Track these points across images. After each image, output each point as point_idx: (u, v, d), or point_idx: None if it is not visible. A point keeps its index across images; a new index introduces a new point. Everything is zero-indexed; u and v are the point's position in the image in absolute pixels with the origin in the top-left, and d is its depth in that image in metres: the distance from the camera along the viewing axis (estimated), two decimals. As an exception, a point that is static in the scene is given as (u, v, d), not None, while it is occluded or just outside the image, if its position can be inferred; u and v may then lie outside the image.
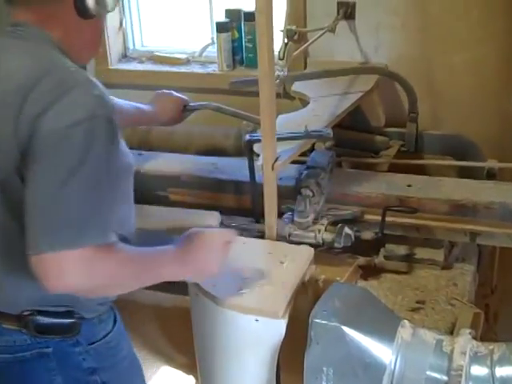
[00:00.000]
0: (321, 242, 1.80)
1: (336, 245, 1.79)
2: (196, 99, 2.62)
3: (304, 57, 2.43)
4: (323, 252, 1.83)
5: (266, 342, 1.53)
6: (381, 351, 1.38)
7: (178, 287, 2.06)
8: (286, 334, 1.51)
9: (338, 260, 1.86)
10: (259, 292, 1.55)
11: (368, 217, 1.93)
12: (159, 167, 2.21)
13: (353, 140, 2.31)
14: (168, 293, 2.24)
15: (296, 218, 1.83)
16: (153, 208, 2.06)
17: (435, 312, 1.75)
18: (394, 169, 2.20)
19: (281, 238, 1.80)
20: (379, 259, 1.93)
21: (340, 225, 1.81)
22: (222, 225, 1.90)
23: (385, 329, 1.43)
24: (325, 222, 1.84)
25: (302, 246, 1.76)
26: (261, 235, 1.84)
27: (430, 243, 1.93)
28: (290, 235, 1.82)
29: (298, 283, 1.60)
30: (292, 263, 1.66)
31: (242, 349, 1.58)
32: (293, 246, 1.75)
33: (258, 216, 1.91)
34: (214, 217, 1.92)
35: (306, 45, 2.18)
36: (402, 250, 1.92)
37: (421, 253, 1.92)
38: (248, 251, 1.74)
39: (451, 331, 1.66)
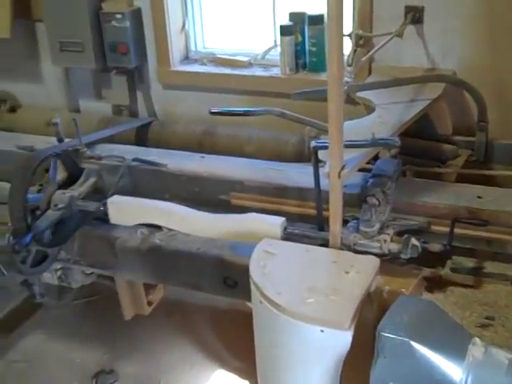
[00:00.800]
0: (386, 252, 1.77)
1: (402, 256, 1.76)
2: (257, 102, 2.63)
3: (369, 62, 2.39)
4: (386, 262, 1.79)
5: (331, 354, 1.51)
6: (451, 369, 1.35)
7: (238, 292, 2.08)
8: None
9: (402, 271, 1.82)
10: (325, 302, 1.53)
11: (435, 228, 1.89)
12: (222, 171, 2.22)
13: (418, 148, 2.26)
14: (226, 297, 2.22)
15: (361, 227, 1.80)
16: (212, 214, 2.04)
17: (505, 329, 1.69)
18: (461, 179, 2.15)
19: (345, 246, 1.78)
20: (445, 271, 1.88)
21: (406, 235, 1.77)
22: (286, 231, 1.88)
23: (455, 346, 1.39)
24: (390, 231, 1.80)
25: (367, 255, 1.73)
26: (324, 243, 1.82)
27: (500, 257, 1.88)
28: (354, 244, 1.79)
29: (364, 294, 1.57)
30: (358, 273, 1.63)
31: (306, 359, 1.56)
32: (358, 255, 1.73)
33: (322, 223, 1.89)
34: (278, 222, 1.89)
35: (374, 50, 2.15)
36: (470, 262, 1.87)
37: (490, 267, 1.86)
38: (312, 259, 1.72)
39: (523, 350, 1.61)
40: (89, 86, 3.07)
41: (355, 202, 1.89)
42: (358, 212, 1.85)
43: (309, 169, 1.88)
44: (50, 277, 2.56)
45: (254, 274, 1.65)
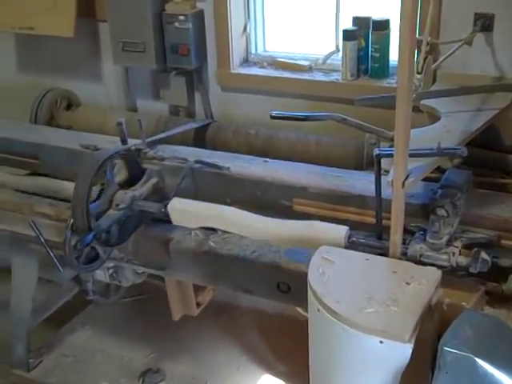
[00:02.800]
0: (454, 265, 1.73)
1: (471, 270, 1.71)
2: (317, 107, 2.60)
3: (434, 68, 2.34)
4: (446, 274, 1.74)
5: (390, 366, 1.47)
6: (515, 388, 1.30)
7: (291, 297, 2.06)
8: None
9: (462, 284, 1.77)
10: (385, 313, 1.50)
11: (505, 242, 1.83)
12: (285, 176, 2.20)
13: (482, 158, 2.21)
14: (279, 302, 2.20)
15: (429, 239, 1.76)
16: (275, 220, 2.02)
17: None
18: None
19: (411, 257, 1.74)
20: (508, 286, 1.81)
21: (476, 249, 1.72)
22: (350, 240, 1.84)
23: (520, 364, 1.34)
24: (459, 244, 1.76)
25: (428, 267, 1.69)
26: (382, 252, 1.79)
27: None
28: (421, 256, 1.74)
29: (425, 307, 1.53)
30: (419, 285, 1.59)
31: (363, 370, 1.52)
32: (419, 266, 1.68)
33: (381, 232, 1.85)
34: (342, 232, 1.86)
35: (443, 58, 2.11)
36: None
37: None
38: (371, 268, 1.68)
39: None
40: (147, 86, 3.09)
41: (420, 212, 1.85)
42: (423, 222, 1.80)
43: (371, 176, 1.86)
44: (102, 274, 2.58)
45: (313, 281, 1.63)
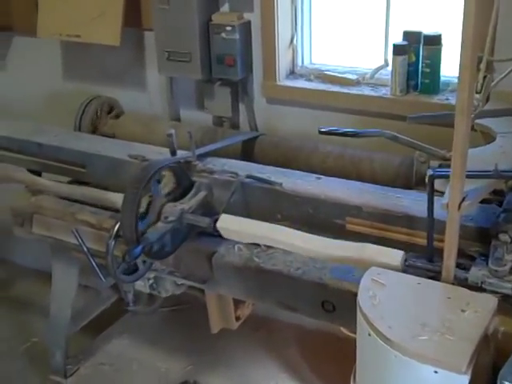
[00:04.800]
0: None
1: None
2: (364, 123, 2.57)
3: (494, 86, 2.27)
4: (499, 300, 1.69)
5: (444, 397, 1.43)
6: None
7: (336, 317, 2.02)
8: (465, 390, 1.40)
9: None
10: (439, 341, 1.45)
11: None
12: (339, 194, 2.15)
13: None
14: (323, 320, 2.16)
15: (491, 265, 1.70)
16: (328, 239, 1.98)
17: None
18: None
19: (471, 284, 1.69)
20: None
21: None
22: (406, 263, 1.80)
23: None
24: None
25: (484, 294, 1.64)
26: (433, 276, 1.74)
27: None
28: (482, 283, 1.69)
29: (482, 335, 1.48)
30: (475, 312, 1.54)
31: (415, 399, 1.48)
32: (474, 292, 1.63)
33: (432, 255, 1.80)
34: (397, 255, 1.82)
35: (502, 76, 2.04)
36: None
37: None
38: (424, 293, 1.64)
39: None
40: (191, 96, 3.08)
41: (481, 236, 1.80)
42: (483, 247, 1.75)
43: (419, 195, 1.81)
44: (142, 285, 2.57)
45: (363, 304, 1.58)
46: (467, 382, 1.38)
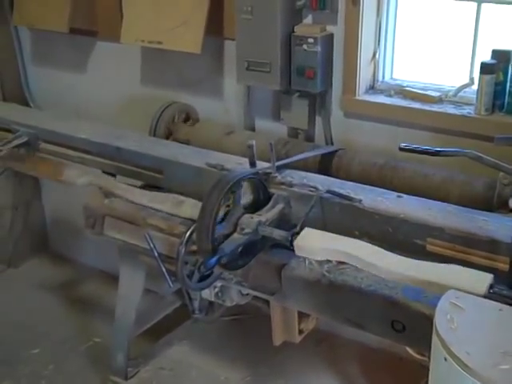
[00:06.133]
0: None
1: None
2: (446, 142, 2.50)
3: None
4: None
5: (522, 431, 1.35)
6: None
7: (405, 337, 1.96)
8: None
9: None
10: (521, 371, 1.38)
11: None
12: (420, 214, 2.10)
13: None
14: (391, 340, 2.10)
15: None
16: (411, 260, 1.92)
17: None
18: None
19: None
20: None
21: None
22: (492, 289, 1.72)
23: None
24: None
25: None
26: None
27: None
28: None
29: None
30: (560, 344, 1.46)
31: (492, 431, 1.41)
32: (558, 323, 1.55)
33: (512, 281, 1.73)
34: (484, 279, 1.74)
35: None
36: None
37: None
38: (506, 320, 1.56)
39: None
40: (268, 107, 3.07)
41: None
42: None
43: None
44: (207, 293, 2.57)
45: (441, 327, 1.51)
46: (548, 417, 1.31)
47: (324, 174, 2.51)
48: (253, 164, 2.33)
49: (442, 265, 1.85)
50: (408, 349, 2.27)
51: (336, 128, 2.88)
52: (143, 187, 2.73)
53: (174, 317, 3.14)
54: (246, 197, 2.24)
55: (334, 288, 2.06)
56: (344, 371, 2.94)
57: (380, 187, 2.33)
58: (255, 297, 2.57)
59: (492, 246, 1.93)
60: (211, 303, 2.88)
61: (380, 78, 2.85)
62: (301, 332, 2.81)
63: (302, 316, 2.77)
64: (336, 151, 2.67)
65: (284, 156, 2.63)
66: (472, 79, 2.61)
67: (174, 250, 2.15)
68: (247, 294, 2.61)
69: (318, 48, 2.68)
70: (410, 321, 1.91)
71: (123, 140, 2.82)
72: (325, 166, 2.64)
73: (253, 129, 3.11)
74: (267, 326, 2.78)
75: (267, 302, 2.73)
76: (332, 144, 2.87)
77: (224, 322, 3.21)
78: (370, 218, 2.17)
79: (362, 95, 2.78)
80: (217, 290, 2.58)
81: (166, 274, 2.12)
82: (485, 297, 1.71)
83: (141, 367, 2.99)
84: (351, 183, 2.35)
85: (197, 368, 3.01)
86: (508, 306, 1.61)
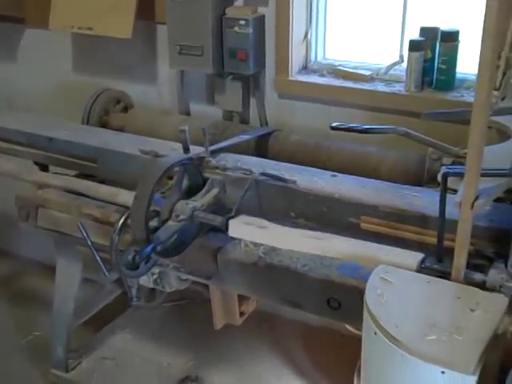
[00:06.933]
0: None
1: None
2: (378, 119, 2.53)
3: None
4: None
5: (451, 398, 1.38)
6: None
7: (341, 314, 1.98)
8: (472, 392, 1.35)
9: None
10: (447, 341, 1.40)
11: None
12: (354, 193, 2.10)
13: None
14: (328, 318, 2.12)
15: (510, 268, 1.65)
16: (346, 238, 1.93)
17: None
18: None
19: (490, 287, 1.63)
20: None
21: None
22: (423, 264, 1.74)
23: None
24: None
25: (494, 293, 1.59)
26: (441, 276, 1.69)
27: None
28: (501, 286, 1.63)
29: (491, 336, 1.43)
30: (484, 313, 1.49)
31: (422, 400, 1.43)
32: (484, 292, 1.58)
33: (441, 254, 1.75)
34: (414, 258, 1.76)
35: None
36: None
37: None
38: (433, 292, 1.59)
39: None
40: (202, 90, 3.04)
41: (501, 237, 1.75)
42: (503, 249, 1.70)
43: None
44: (146, 279, 2.54)
45: (370, 302, 1.54)
46: (474, 382, 1.34)
47: (260, 157, 2.49)
48: (186, 149, 2.30)
49: (375, 245, 1.87)
50: (347, 325, 2.30)
51: (270, 109, 2.88)
52: (79, 176, 2.68)
53: (115, 305, 3.10)
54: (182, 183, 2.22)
55: (270, 269, 2.05)
56: (286, 351, 2.96)
57: (316, 167, 2.33)
58: (195, 281, 2.55)
59: (422, 221, 1.95)
60: (152, 290, 2.85)
61: (313, 58, 2.85)
62: (242, 314, 2.83)
63: (242, 298, 2.78)
64: (271, 133, 2.66)
65: (219, 140, 2.61)
66: (402, 57, 2.63)
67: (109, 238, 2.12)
68: (186, 279, 2.59)
69: (250, 30, 2.67)
70: (346, 297, 1.92)
71: (55, 130, 2.75)
72: (261, 148, 2.63)
73: (188, 113, 3.08)
74: (208, 310, 2.78)
75: (207, 287, 2.72)
76: (267, 125, 2.86)
77: (166, 308, 3.19)
78: (305, 198, 2.16)
79: (295, 76, 2.78)
80: (155, 276, 2.55)
81: (100, 263, 2.08)
82: (417, 272, 1.73)
83: (82, 358, 2.94)
84: (286, 164, 2.34)
85: (139, 356, 2.98)
86: (435, 278, 1.65)
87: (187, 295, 3.07)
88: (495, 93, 1.83)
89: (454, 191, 1.68)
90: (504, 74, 1.87)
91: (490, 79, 1.41)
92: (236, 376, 2.84)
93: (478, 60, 1.40)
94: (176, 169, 2.17)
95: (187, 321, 3.14)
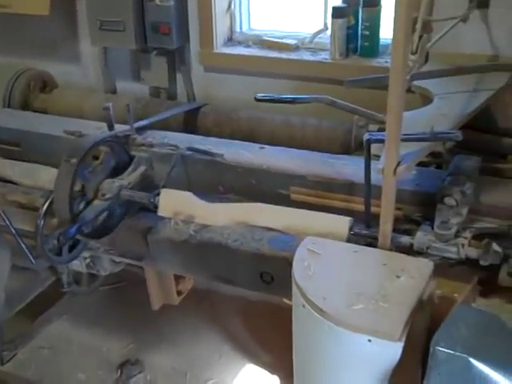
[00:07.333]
0: (464, 257, 1.63)
1: (482, 262, 1.61)
2: (305, 88, 2.49)
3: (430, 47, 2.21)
4: (436, 262, 1.63)
5: (378, 365, 1.38)
6: (512, 389, 1.21)
7: (274, 288, 1.96)
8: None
9: (454, 273, 1.67)
10: (374, 309, 1.39)
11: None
12: (282, 164, 2.09)
13: (476, 141, 2.08)
14: (262, 292, 2.11)
15: (436, 229, 1.66)
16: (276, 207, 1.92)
17: None
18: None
19: (417, 249, 1.65)
20: (501, 276, 1.71)
21: (487, 240, 1.62)
22: (352, 231, 1.74)
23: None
24: (468, 235, 1.66)
25: (420, 258, 1.59)
26: (371, 242, 1.69)
27: None
28: (428, 248, 1.65)
29: (417, 302, 1.43)
30: (410, 278, 1.49)
31: (350, 370, 1.43)
32: (410, 257, 1.58)
33: (369, 221, 1.74)
34: (344, 223, 1.76)
35: (439, 36, 1.98)
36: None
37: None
38: (360, 261, 1.58)
39: None
40: (127, 67, 2.96)
41: (427, 200, 1.77)
42: (429, 212, 1.72)
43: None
44: (78, 264, 2.49)
45: (298, 275, 1.52)
46: (401, 349, 1.33)
47: (190, 132, 2.45)
48: (111, 127, 2.24)
49: (305, 211, 1.86)
50: (284, 299, 2.28)
51: (197, 84, 2.82)
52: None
53: (51, 293, 3.01)
54: (107, 161, 2.16)
55: (202, 246, 2.02)
56: (227, 326, 2.94)
57: (245, 140, 2.30)
58: (130, 263, 2.50)
59: (350, 188, 1.95)
60: (91, 274, 2.79)
61: (238, 29, 2.81)
62: (179, 293, 2.79)
63: (179, 277, 2.74)
64: (199, 107, 2.61)
65: (146, 117, 2.54)
66: (326, 25, 2.61)
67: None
68: (120, 262, 2.53)
69: (171, 2, 2.61)
70: (278, 271, 1.90)
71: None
72: (189, 123, 2.58)
73: (114, 91, 3.00)
74: (146, 292, 2.73)
75: (142, 267, 2.67)
76: (195, 100, 2.81)
77: (103, 291, 3.12)
78: (234, 171, 2.15)
79: (220, 48, 2.73)
80: (88, 260, 2.50)
81: (26, 250, 2.02)
82: (348, 240, 1.73)
83: (18, 349, 2.86)
84: (213, 139, 2.32)
85: (77, 343, 2.91)
86: (363, 247, 1.64)
87: (125, 277, 3.01)
88: (412, 57, 1.82)
89: (380, 158, 1.66)
90: (420, 37, 1.86)
91: (405, 43, 1.38)
92: (177, 356, 2.80)
93: (392, 24, 1.37)
94: (101, 148, 2.12)
95: (125, 303, 3.08)
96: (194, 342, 2.87)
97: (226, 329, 2.93)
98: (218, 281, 2.13)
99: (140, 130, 2.33)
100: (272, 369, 2.72)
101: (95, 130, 2.36)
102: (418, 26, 1.84)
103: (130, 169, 2.16)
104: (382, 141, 1.58)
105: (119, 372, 2.74)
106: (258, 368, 2.76)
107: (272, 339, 2.78)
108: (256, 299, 2.95)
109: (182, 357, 2.80)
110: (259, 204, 1.95)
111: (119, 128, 2.26)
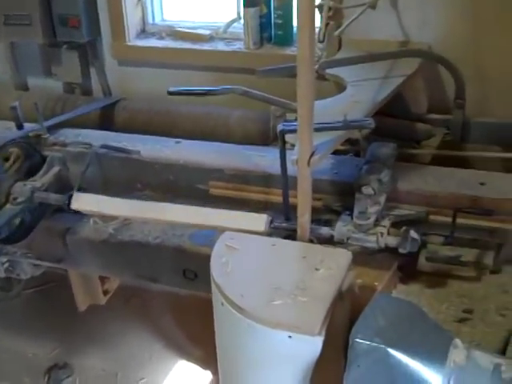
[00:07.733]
0: (383, 246, 1.64)
1: (401, 250, 1.62)
2: (220, 79, 2.46)
3: (338, 35, 2.22)
4: (356, 250, 1.65)
5: (300, 361, 1.37)
6: (430, 376, 1.22)
7: (198, 284, 1.94)
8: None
9: (374, 261, 1.69)
10: (293, 304, 1.38)
11: (434, 218, 1.75)
12: (199, 158, 2.07)
13: (391, 128, 2.11)
14: (186, 289, 2.09)
15: (356, 220, 1.66)
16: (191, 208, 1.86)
17: (485, 324, 1.56)
18: (437, 160, 2.01)
19: (338, 240, 1.66)
20: (420, 261, 1.74)
21: (404, 228, 1.63)
22: (272, 225, 1.72)
23: (435, 349, 1.26)
24: (387, 223, 1.68)
25: (338, 249, 1.59)
26: (290, 235, 1.68)
27: (475, 244, 1.74)
28: (348, 238, 1.66)
29: (336, 293, 1.42)
30: (329, 270, 1.48)
31: (272, 367, 1.42)
32: (328, 248, 1.58)
33: (288, 213, 1.74)
34: (262, 220, 1.72)
35: (347, 24, 1.99)
36: (445, 251, 1.71)
37: (467, 255, 1.72)
38: (279, 255, 1.56)
39: (504, 347, 1.48)
40: (37, 63, 2.85)
41: (347, 190, 1.78)
42: (349, 201, 1.73)
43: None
44: (-3, 270, 2.39)
45: (215, 272, 1.49)
46: (321, 343, 1.33)
47: (106, 129, 2.40)
48: (20, 127, 2.17)
49: (221, 211, 1.83)
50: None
51: (112, 78, 2.75)
52: None
53: (-27, 299, 2.91)
54: (18, 163, 2.08)
55: (122, 245, 2.00)
56: (157, 324, 2.90)
57: (162, 135, 2.27)
58: (53, 265, 2.44)
59: (268, 180, 1.95)
60: (8, 278, 2.70)
61: (150, 21, 2.75)
62: (106, 293, 2.74)
63: (104, 276, 2.68)
64: (115, 102, 2.54)
65: (59, 114, 2.47)
66: (239, 14, 2.59)
67: None
68: (41, 265, 2.46)
69: (79, -7, 2.51)
70: (200, 267, 1.85)
71: None
72: (105, 119, 2.52)
73: (26, 88, 2.89)
74: (72, 293, 2.66)
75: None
76: (110, 95, 2.73)
77: (27, 295, 3.02)
78: (151, 168, 2.12)
79: (132, 40, 2.67)
80: (6, 265, 2.41)
81: None
82: (269, 234, 1.71)
83: None
84: (128, 135, 2.28)
85: (2, 349, 2.82)
86: (281, 240, 1.62)
87: (49, 279, 2.92)
88: (320, 45, 1.82)
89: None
90: (327, 24, 1.86)
91: (310, 31, 1.37)
92: (107, 357, 2.75)
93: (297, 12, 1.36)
94: (11, 149, 2.05)
95: (51, 306, 3.00)
96: (124, 341, 2.82)
97: (156, 326, 2.89)
98: (142, 279, 2.11)
99: (52, 128, 2.27)
100: (204, 364, 2.70)
101: (4, 130, 2.27)
102: (325, 14, 1.83)
103: (42, 170, 2.10)
104: (295, 131, 1.57)
105: (47, 377, 2.67)
106: (191, 364, 2.73)
107: (203, 334, 2.72)
108: (185, 294, 2.91)
109: (111, 357, 2.75)
110: (174, 205, 1.90)
111: (29, 127, 2.19)
